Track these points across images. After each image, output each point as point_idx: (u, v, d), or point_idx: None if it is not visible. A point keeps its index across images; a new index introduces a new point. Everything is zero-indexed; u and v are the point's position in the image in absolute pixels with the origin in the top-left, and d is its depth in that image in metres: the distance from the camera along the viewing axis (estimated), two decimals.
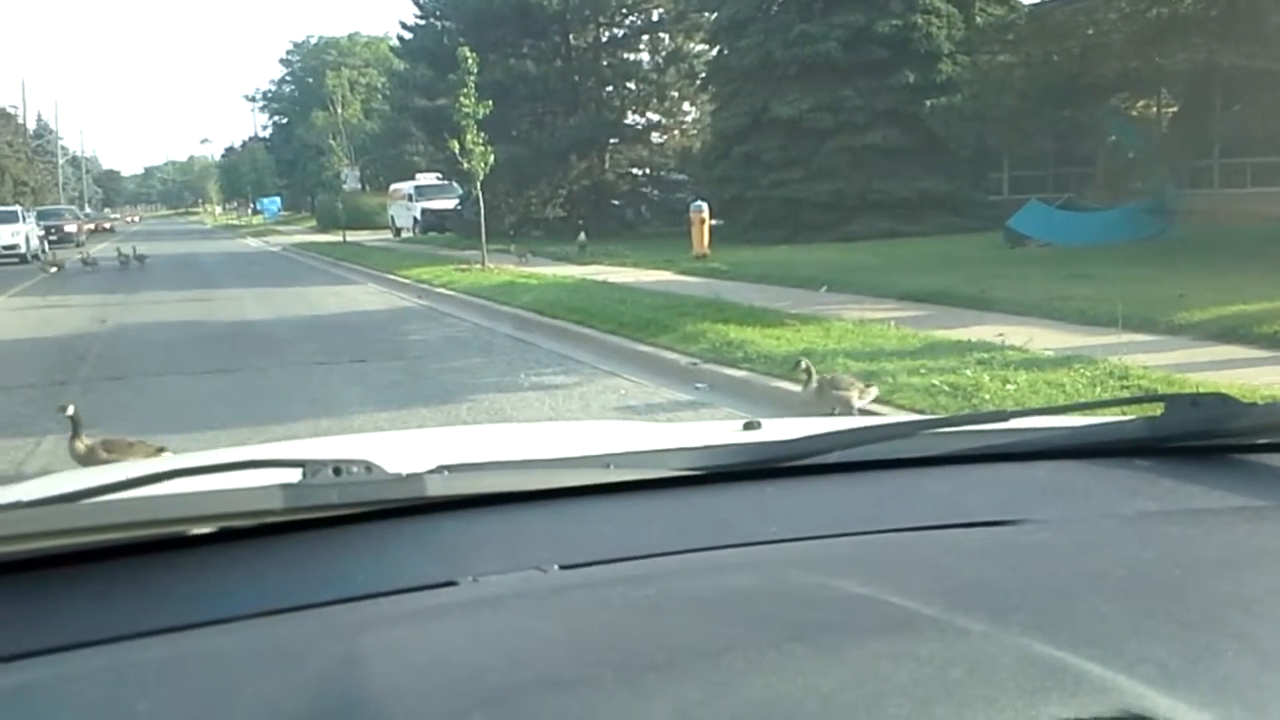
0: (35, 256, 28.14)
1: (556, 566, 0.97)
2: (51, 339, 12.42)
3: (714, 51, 27.87)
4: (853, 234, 21.34)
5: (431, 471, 1.12)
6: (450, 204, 34.51)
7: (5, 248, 30.75)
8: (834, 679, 0.70)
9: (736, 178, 24.23)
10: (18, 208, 36.50)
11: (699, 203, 19.46)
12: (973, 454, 1.34)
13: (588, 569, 0.98)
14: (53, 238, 39.65)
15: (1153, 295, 9.39)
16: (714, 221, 20.08)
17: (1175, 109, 21.21)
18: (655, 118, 33.33)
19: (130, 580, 0.96)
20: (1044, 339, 7.88)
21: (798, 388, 5.99)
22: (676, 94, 32.59)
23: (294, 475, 1.04)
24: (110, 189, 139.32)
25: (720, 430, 1.69)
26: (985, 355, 7.17)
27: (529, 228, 30.21)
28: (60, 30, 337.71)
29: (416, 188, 38.61)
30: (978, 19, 22.46)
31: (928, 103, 21.60)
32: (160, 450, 3.83)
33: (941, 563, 0.98)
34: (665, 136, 33.37)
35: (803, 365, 5.78)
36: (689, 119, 33.43)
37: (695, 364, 8.24)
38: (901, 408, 5.97)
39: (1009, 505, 1.15)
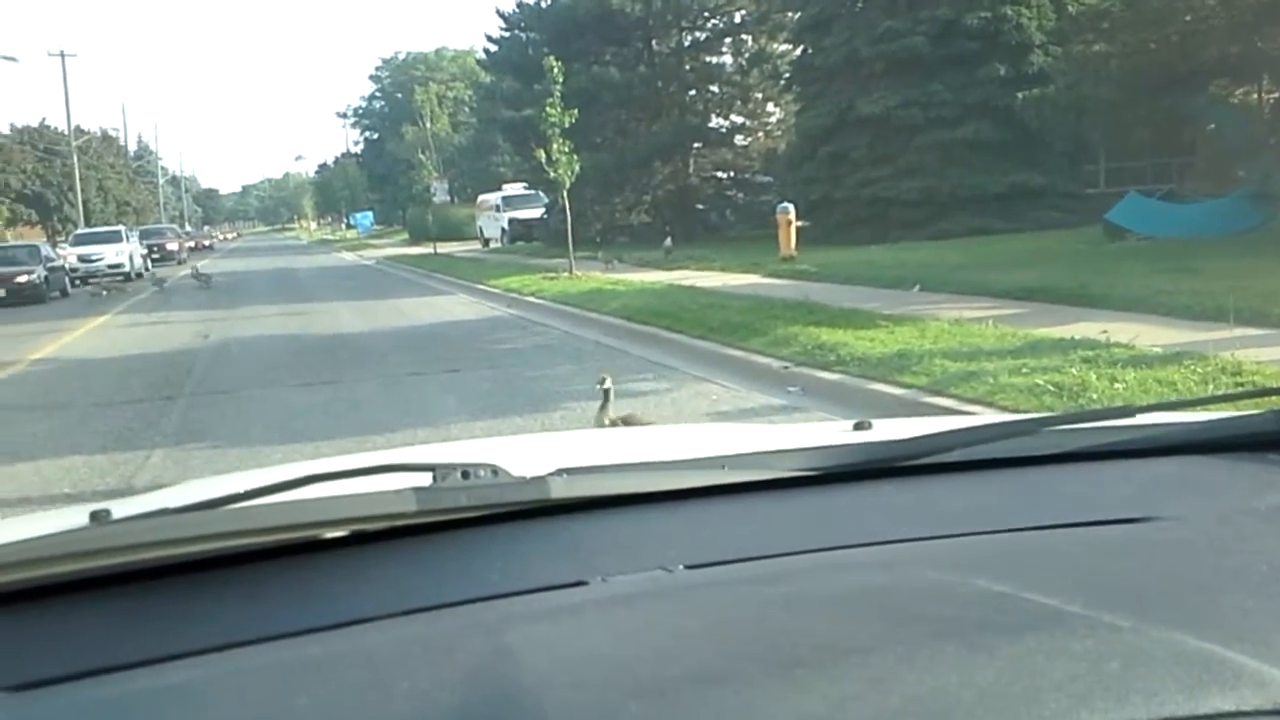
0: (112, 277, 28.59)
1: (681, 566, 0.98)
2: (158, 354, 12.82)
3: (798, 51, 27.77)
4: (944, 232, 21.04)
5: (553, 474, 1.14)
6: (536, 213, 34.91)
7: (110, 267, 31.21)
8: (989, 674, 0.70)
9: (823, 178, 24.06)
10: (121, 228, 37.45)
11: (785, 204, 19.33)
12: (1099, 451, 1.31)
13: (713, 569, 0.98)
14: (155, 255, 40.95)
15: (1263, 287, 9.05)
16: (800, 223, 19.93)
17: (1278, 95, 20.49)
18: (739, 120, 33.26)
19: (274, 583, 0.99)
20: (1151, 335, 7.65)
21: (885, 391, 5.81)
22: (760, 95, 32.49)
23: (424, 479, 1.06)
24: (209, 207, 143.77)
25: (831, 431, 1.67)
26: (1090, 353, 6.98)
27: (614, 234, 30.38)
28: (158, 54, 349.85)
29: (504, 198, 39.11)
30: (1070, 8, 21.95)
31: (1020, 95, 21.18)
32: None
33: (1078, 560, 0.97)
34: (749, 139, 33.27)
35: (605, 384, 5.25)
36: (773, 120, 33.29)
37: (788, 368, 8.18)
38: (1004, 409, 5.82)
39: (1140, 502, 1.13)
